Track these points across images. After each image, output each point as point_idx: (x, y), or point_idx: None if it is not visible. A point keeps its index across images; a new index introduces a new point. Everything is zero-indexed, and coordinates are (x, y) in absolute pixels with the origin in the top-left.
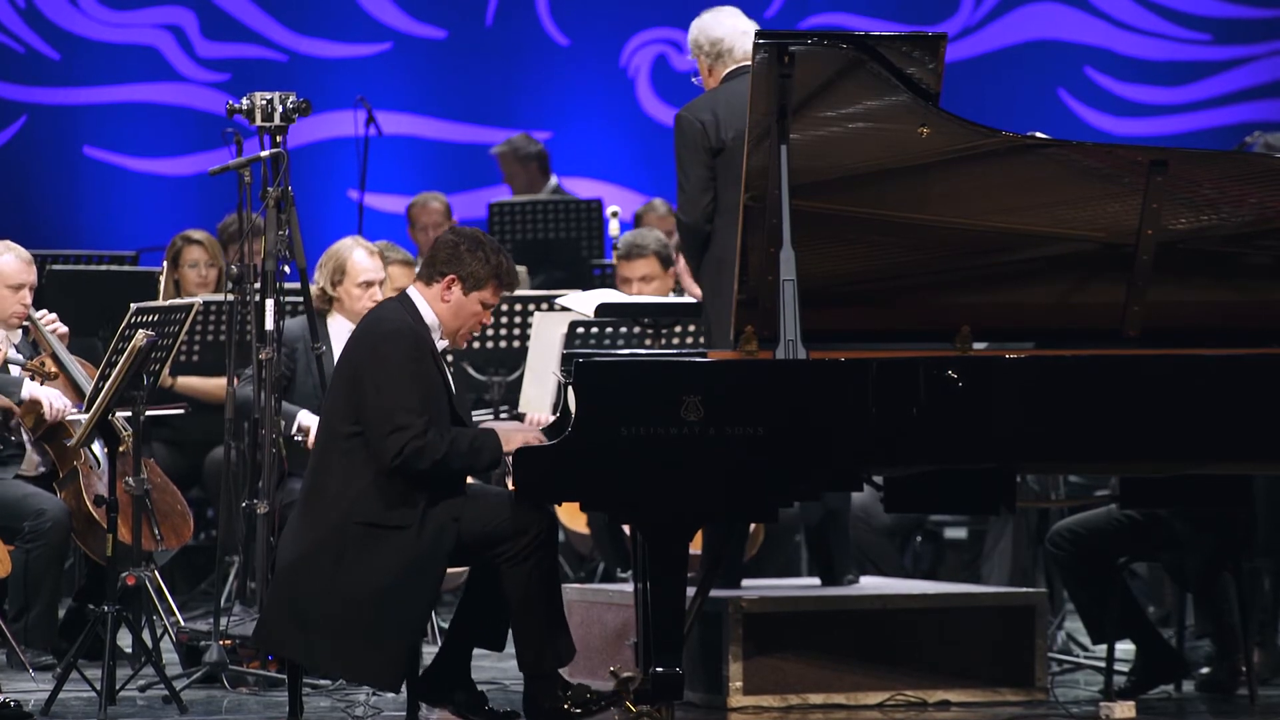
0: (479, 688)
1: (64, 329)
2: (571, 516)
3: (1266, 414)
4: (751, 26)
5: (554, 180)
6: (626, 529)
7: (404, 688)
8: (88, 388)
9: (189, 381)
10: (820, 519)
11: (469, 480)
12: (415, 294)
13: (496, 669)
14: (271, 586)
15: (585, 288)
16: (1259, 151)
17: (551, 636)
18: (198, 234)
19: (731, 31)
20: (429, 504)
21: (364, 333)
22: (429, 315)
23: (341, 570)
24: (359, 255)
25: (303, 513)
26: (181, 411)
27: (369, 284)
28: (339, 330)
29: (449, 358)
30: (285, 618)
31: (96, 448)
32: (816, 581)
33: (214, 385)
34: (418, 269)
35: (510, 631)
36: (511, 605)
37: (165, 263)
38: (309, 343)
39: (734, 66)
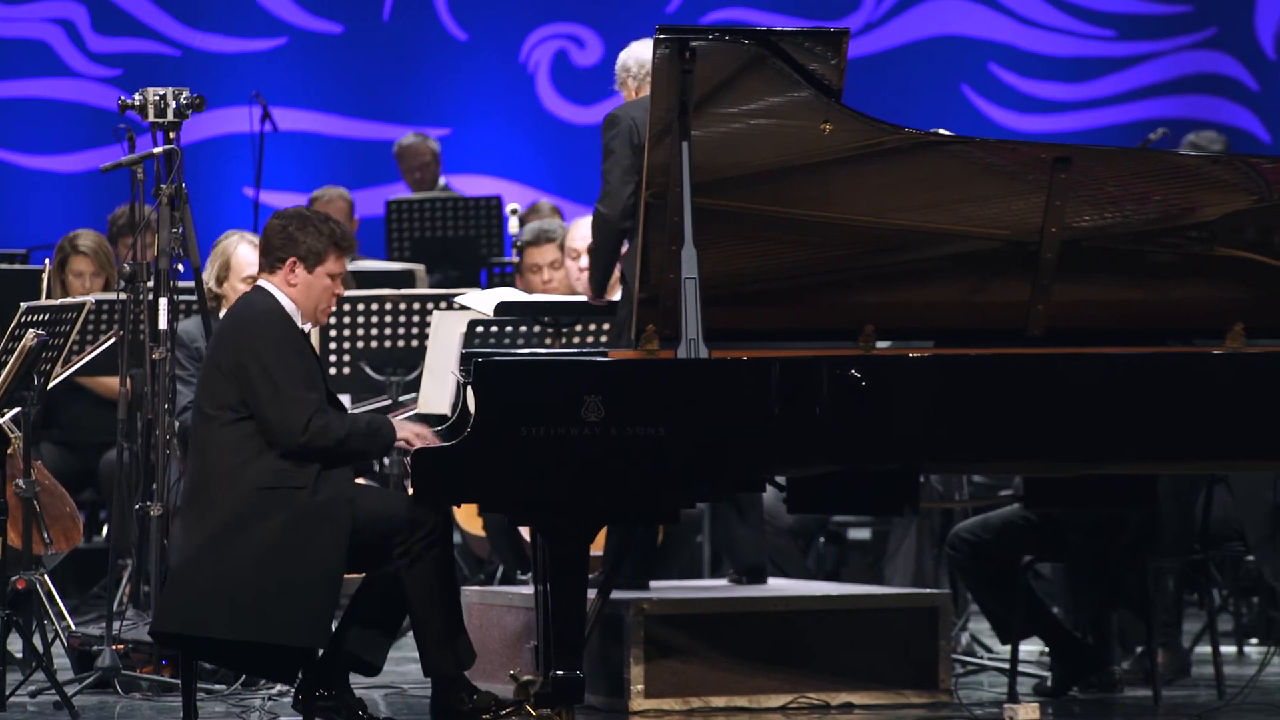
0: (378, 690)
1: None
2: (469, 519)
3: (1169, 414)
4: None
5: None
6: (524, 532)
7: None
8: None
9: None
10: (730, 514)
11: (361, 481)
12: (266, 284)
13: (395, 673)
14: (172, 575)
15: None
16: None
17: (452, 638)
18: (86, 241)
19: None
20: (324, 467)
21: (237, 319)
22: (285, 302)
23: (247, 537)
24: (244, 250)
25: (191, 501)
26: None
27: (254, 279)
28: None
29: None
30: (194, 600)
31: None
32: (720, 583)
33: (113, 382)
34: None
35: (407, 644)
36: (412, 606)
37: (51, 263)
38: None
39: None
